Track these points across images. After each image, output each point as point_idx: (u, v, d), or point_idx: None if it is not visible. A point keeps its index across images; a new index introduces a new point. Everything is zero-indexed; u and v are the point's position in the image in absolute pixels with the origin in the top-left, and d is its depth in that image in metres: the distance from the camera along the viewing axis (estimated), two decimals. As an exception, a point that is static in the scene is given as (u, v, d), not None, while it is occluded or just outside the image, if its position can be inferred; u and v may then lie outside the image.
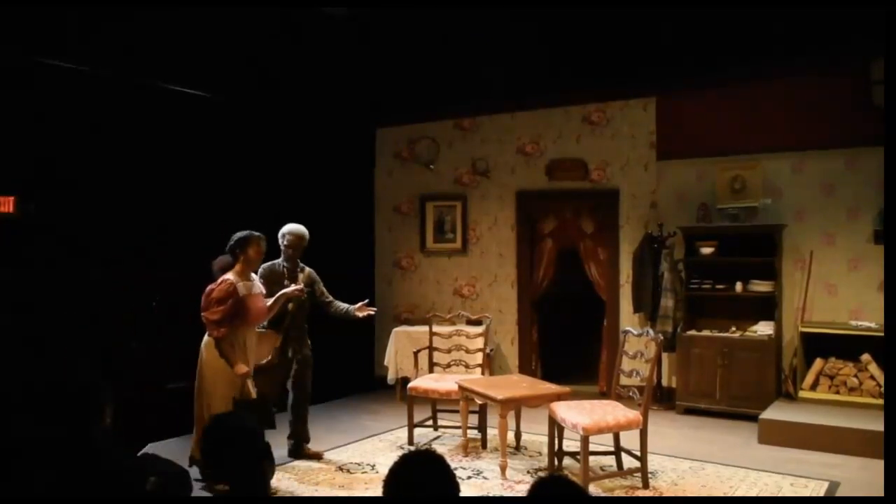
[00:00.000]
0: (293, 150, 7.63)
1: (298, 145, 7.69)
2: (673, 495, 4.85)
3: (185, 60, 6.08)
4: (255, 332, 5.04)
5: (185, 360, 5.03)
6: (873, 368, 6.27)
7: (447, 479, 2.15)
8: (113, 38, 5.52)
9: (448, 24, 6.08)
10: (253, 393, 4.86)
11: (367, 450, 5.93)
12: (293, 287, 5.22)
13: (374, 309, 5.76)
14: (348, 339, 8.19)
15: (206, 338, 4.87)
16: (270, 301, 5.11)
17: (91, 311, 5.67)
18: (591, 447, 4.87)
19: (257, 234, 4.98)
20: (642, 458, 4.97)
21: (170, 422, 5.80)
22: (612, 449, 5.24)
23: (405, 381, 6.91)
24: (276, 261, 5.51)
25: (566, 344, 8.33)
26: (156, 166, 6.33)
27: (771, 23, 5.80)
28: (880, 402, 6.15)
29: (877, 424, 5.70)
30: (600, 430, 4.82)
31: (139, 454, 3.09)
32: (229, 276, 4.85)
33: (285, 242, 5.48)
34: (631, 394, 5.17)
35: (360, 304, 5.60)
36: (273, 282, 5.32)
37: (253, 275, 5.06)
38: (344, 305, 5.62)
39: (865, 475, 5.19)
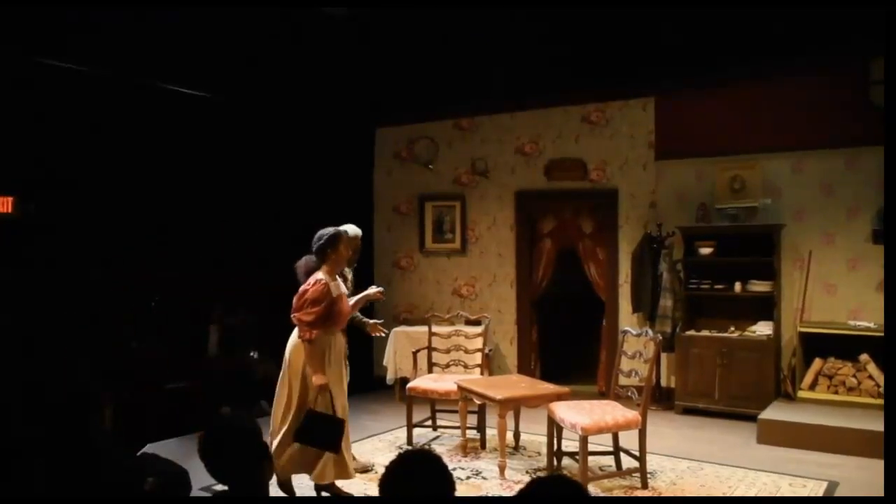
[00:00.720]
0: (293, 150, 7.64)
1: (298, 145, 7.70)
2: (672, 495, 4.86)
3: (184, 60, 6.08)
4: (341, 335, 4.79)
5: (185, 361, 5.04)
6: (872, 368, 6.28)
7: (443, 479, 2.15)
8: (111, 38, 5.52)
9: (447, 24, 6.08)
10: (331, 407, 4.48)
11: (367, 450, 5.93)
12: (375, 289, 4.98)
13: (385, 331, 5.66)
14: (347, 339, 8.19)
15: (294, 340, 4.59)
16: (352, 301, 4.87)
17: (90, 311, 5.67)
18: (590, 447, 4.88)
19: (343, 229, 4.78)
20: (641, 458, 4.98)
21: (170, 422, 5.80)
22: (611, 449, 5.25)
23: (404, 381, 6.91)
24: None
25: (565, 344, 8.33)
26: (154, 166, 6.35)
27: (770, 23, 5.81)
28: (879, 401, 6.16)
29: (876, 424, 5.71)
30: (599, 430, 4.83)
31: (138, 454, 3.09)
32: (321, 275, 4.55)
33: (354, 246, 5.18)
34: (630, 394, 5.18)
35: (374, 321, 5.55)
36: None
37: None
38: (359, 315, 5.44)
39: (864, 475, 5.19)
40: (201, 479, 2.98)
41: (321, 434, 4.29)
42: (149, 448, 5.03)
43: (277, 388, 4.66)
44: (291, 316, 4.53)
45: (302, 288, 4.58)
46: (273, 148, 7.42)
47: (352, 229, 5.26)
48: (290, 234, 7.56)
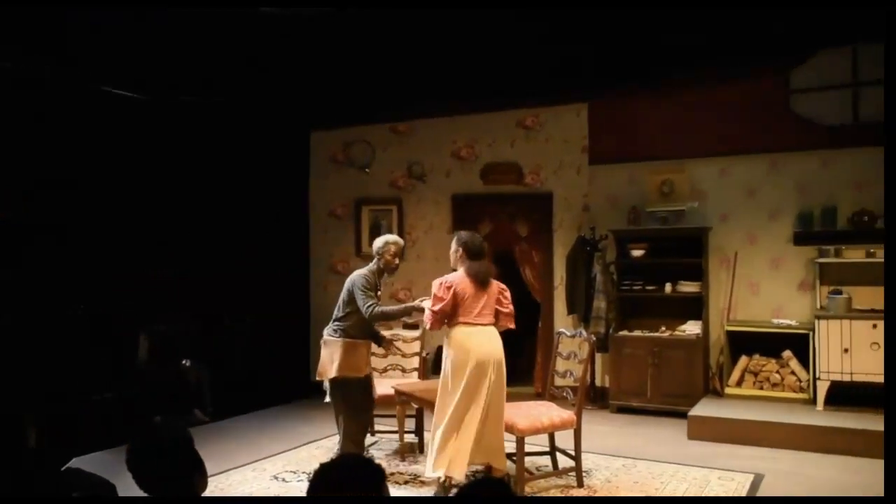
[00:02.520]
0: (225, 153, 7.50)
1: (231, 149, 7.56)
2: (607, 493, 4.94)
3: (114, 61, 5.90)
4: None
5: (113, 370, 4.88)
6: (794, 364, 6.53)
7: (376, 482, 2.14)
8: (41, 39, 5.32)
9: (382, 28, 6.06)
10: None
11: (303, 457, 5.85)
12: (423, 301, 4.95)
13: (391, 353, 5.65)
14: (283, 345, 8.09)
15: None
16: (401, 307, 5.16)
17: (6, 321, 5.43)
18: (527, 448, 4.91)
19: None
20: (577, 458, 5.05)
21: (98, 434, 5.61)
22: (547, 449, 5.30)
23: (342, 386, 6.81)
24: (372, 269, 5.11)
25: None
26: (79, 169, 6.12)
27: (695, 31, 5.98)
28: (802, 396, 6.43)
29: (798, 418, 5.97)
30: (535, 431, 4.87)
31: (63, 469, 2.97)
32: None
33: (392, 252, 5.12)
34: (565, 394, 5.24)
35: (390, 338, 5.58)
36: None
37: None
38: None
39: (788, 466, 5.40)
40: (131, 493, 2.88)
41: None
42: (75, 462, 4.85)
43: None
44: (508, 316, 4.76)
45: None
46: (205, 151, 7.27)
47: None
48: (224, 238, 7.50)
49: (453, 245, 4.88)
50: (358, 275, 5.04)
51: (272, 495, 4.94)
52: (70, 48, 5.51)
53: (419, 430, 5.93)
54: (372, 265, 5.13)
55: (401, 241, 5.26)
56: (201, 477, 2.44)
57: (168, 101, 6.74)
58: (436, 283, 4.74)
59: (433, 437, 4.68)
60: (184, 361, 6.90)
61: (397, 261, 5.17)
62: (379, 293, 5.10)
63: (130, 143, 6.51)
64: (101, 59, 5.75)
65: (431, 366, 6.92)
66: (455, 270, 4.84)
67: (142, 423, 2.65)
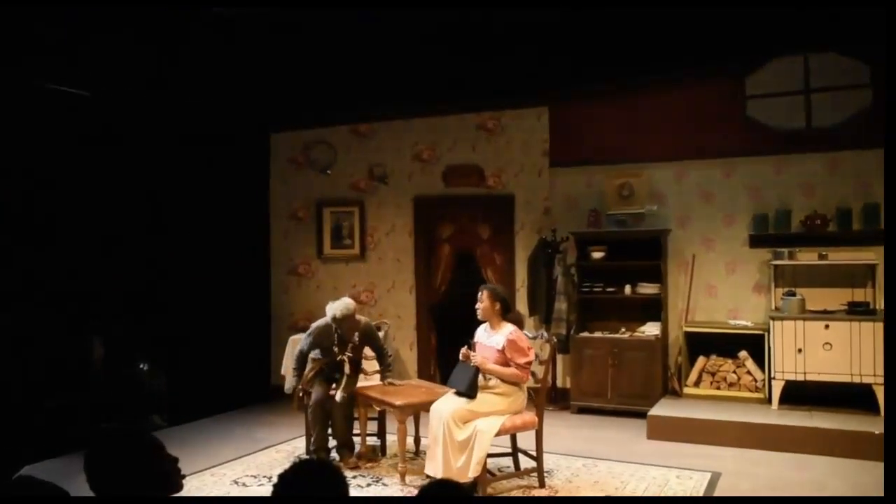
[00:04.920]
0: (183, 155, 7.37)
1: (189, 150, 7.43)
2: (568, 493, 4.97)
3: (68, 59, 5.75)
4: None
5: (66, 375, 4.75)
6: (750, 364, 6.64)
7: (337, 486, 2.14)
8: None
9: (343, 29, 6.03)
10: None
11: (263, 462, 5.78)
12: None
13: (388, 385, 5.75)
14: (242, 348, 7.98)
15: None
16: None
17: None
18: (490, 449, 4.91)
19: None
20: (538, 458, 5.08)
21: (50, 441, 5.46)
22: (509, 450, 5.31)
23: (302, 390, 6.75)
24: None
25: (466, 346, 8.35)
26: (31, 167, 5.96)
27: (654, 35, 6.07)
28: (757, 395, 6.55)
29: (753, 416, 6.09)
30: (498, 433, 4.88)
31: (14, 478, 2.87)
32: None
33: (348, 327, 5.61)
34: (528, 395, 5.25)
35: (389, 378, 5.78)
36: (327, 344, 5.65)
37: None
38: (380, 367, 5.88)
39: (744, 465, 5.50)
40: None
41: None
42: (26, 470, 4.71)
43: None
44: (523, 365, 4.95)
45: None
46: (163, 154, 7.14)
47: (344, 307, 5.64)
48: (182, 241, 7.37)
49: (486, 300, 5.09)
50: (314, 326, 5.74)
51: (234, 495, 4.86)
52: (15, 45, 5.35)
53: (381, 433, 5.90)
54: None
55: (352, 309, 5.60)
56: (171, 479, 2.38)
57: (124, 102, 6.59)
58: (520, 339, 4.98)
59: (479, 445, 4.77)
60: (140, 365, 6.76)
61: (355, 334, 5.65)
62: (336, 350, 5.62)
63: (79, 142, 6.33)
64: (47, 56, 5.59)
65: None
66: (485, 321, 5.17)
67: (101, 430, 2.58)
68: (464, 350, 5.08)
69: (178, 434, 6.49)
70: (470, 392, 4.90)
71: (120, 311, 6.66)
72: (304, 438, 5.93)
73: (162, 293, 7.11)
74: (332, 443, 5.70)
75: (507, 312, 5.12)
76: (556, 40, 6.15)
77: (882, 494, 3.42)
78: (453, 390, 5.05)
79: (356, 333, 5.66)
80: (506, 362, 4.93)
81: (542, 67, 6.66)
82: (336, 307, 5.57)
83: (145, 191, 7.00)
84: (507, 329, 5.01)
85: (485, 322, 5.18)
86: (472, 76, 6.83)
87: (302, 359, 5.72)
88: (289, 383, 5.82)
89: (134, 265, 6.81)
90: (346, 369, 5.63)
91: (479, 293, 5.13)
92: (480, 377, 4.95)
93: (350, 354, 5.63)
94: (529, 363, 4.95)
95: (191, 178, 7.44)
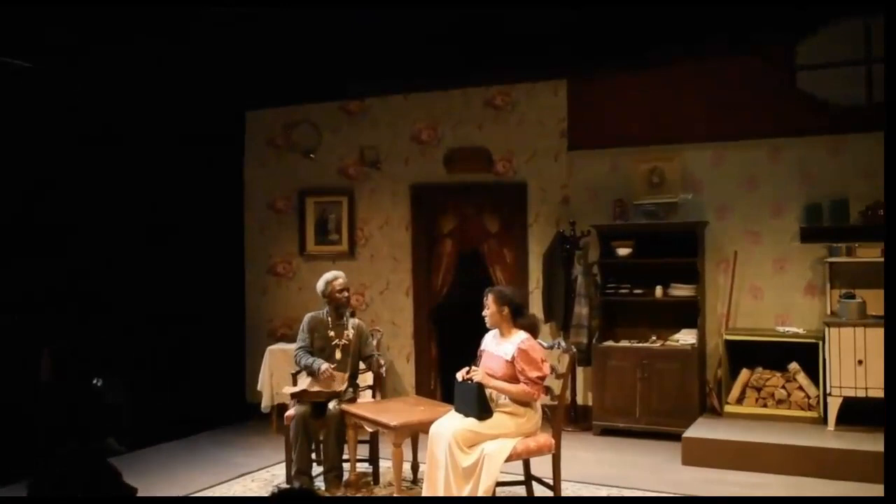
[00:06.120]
0: (146, 136, 7.36)
1: (152, 131, 7.42)
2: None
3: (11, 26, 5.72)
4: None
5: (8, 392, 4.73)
6: (801, 378, 6.59)
7: None
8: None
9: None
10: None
11: (238, 491, 5.77)
12: (326, 368, 5.66)
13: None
14: (213, 360, 7.97)
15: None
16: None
17: None
18: (499, 477, 4.87)
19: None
20: (555, 487, 5.05)
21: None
22: (521, 478, 5.27)
23: (282, 408, 6.75)
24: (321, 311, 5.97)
25: (470, 360, 8.32)
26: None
27: (690, 1, 6.01)
28: (810, 414, 6.50)
29: (807, 439, 6.02)
30: (508, 458, 4.84)
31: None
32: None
33: (337, 287, 5.87)
34: (543, 414, 5.21)
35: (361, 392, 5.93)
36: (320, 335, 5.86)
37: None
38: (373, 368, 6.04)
39: (796, 495, 5.44)
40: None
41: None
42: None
43: None
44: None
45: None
46: (122, 135, 7.11)
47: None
48: (142, 236, 7.34)
49: (492, 305, 5.07)
50: (306, 317, 5.98)
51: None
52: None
53: (374, 458, 5.87)
54: (324, 310, 5.93)
55: (340, 273, 5.98)
56: None
57: (76, 73, 6.56)
58: (533, 349, 4.93)
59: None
60: (95, 381, 6.74)
61: (346, 293, 5.90)
62: (332, 334, 5.82)
63: (22, 119, 6.29)
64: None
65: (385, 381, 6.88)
66: (493, 329, 5.17)
67: (48, 456, 2.58)
68: (461, 373, 5.07)
69: (139, 460, 6.46)
70: (482, 413, 4.85)
71: (71, 317, 6.62)
72: (283, 465, 5.88)
73: (120, 297, 7.08)
74: (316, 469, 5.67)
75: (518, 317, 5.08)
76: (576, 1, 6.10)
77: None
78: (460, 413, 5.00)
79: (350, 311, 5.99)
80: (515, 375, 4.89)
81: (559, 33, 6.61)
82: (323, 278, 5.93)
83: (96, 179, 6.95)
84: (519, 337, 4.97)
85: (494, 328, 5.14)
86: (479, 44, 6.78)
87: (305, 356, 5.77)
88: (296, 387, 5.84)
89: (85, 264, 6.77)
90: (342, 363, 5.76)
91: (485, 297, 5.10)
92: (487, 391, 4.91)
93: (347, 341, 5.81)
94: (542, 378, 4.90)
95: (150, 163, 7.41)
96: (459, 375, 5.07)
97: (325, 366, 5.61)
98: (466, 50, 6.97)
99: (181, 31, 6.38)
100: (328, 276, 5.93)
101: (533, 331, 5.12)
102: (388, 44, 6.82)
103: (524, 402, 4.91)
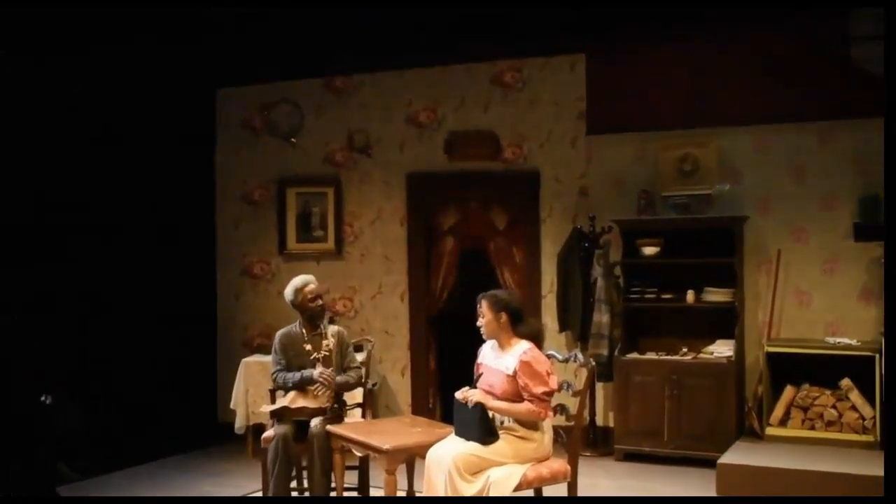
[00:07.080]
0: (102, 119, 7.34)
1: (110, 113, 7.41)
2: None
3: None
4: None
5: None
6: (855, 397, 6.52)
7: None
8: None
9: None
10: None
11: (207, 525, 5.71)
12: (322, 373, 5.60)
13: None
14: (181, 374, 7.95)
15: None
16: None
17: None
18: (508, 509, 4.81)
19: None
20: (572, 521, 4.97)
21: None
22: (533, 511, 5.20)
23: (259, 429, 6.73)
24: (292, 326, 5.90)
25: (472, 374, 8.29)
26: None
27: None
28: (865, 438, 6.43)
29: (861, 466, 5.94)
30: (518, 487, 4.76)
31: None
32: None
33: (310, 294, 5.77)
34: (557, 437, 5.15)
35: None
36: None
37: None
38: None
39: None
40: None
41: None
42: None
43: None
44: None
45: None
46: (77, 117, 7.10)
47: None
48: (99, 232, 7.28)
49: (487, 312, 4.98)
50: (276, 336, 5.88)
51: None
52: None
53: (364, 485, 5.84)
54: (296, 322, 5.86)
55: (310, 278, 5.87)
56: None
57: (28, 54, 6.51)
58: (536, 360, 4.83)
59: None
60: (43, 398, 6.68)
61: (320, 301, 5.84)
62: (308, 348, 5.73)
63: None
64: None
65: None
66: (490, 339, 5.08)
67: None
68: (458, 393, 5.01)
69: (95, 488, 6.48)
70: (485, 437, 4.76)
71: (14, 324, 6.56)
72: (261, 493, 5.86)
73: (72, 300, 7.07)
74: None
75: (518, 324, 4.99)
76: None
77: None
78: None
79: (328, 317, 5.96)
80: (518, 392, 4.80)
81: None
82: (291, 285, 5.82)
83: (57, 168, 6.94)
84: (520, 348, 4.89)
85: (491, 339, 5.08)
86: (484, 11, 6.73)
87: (287, 374, 5.69)
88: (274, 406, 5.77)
89: (29, 262, 6.74)
90: (322, 372, 5.63)
91: (478, 304, 5.03)
92: (491, 413, 4.83)
93: (327, 353, 5.73)
94: (549, 393, 4.79)
95: (108, 149, 7.39)
96: (458, 394, 4.99)
97: (318, 371, 5.53)
98: (470, 18, 6.93)
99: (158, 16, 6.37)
100: (297, 282, 5.82)
101: (537, 340, 5.01)
102: (379, 10, 6.78)
103: (530, 424, 4.81)
